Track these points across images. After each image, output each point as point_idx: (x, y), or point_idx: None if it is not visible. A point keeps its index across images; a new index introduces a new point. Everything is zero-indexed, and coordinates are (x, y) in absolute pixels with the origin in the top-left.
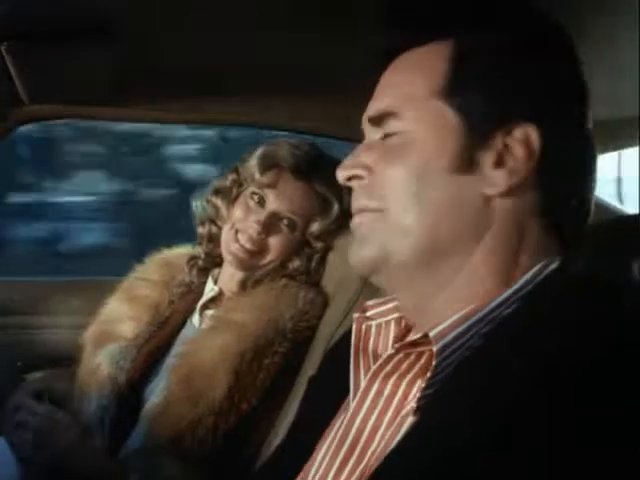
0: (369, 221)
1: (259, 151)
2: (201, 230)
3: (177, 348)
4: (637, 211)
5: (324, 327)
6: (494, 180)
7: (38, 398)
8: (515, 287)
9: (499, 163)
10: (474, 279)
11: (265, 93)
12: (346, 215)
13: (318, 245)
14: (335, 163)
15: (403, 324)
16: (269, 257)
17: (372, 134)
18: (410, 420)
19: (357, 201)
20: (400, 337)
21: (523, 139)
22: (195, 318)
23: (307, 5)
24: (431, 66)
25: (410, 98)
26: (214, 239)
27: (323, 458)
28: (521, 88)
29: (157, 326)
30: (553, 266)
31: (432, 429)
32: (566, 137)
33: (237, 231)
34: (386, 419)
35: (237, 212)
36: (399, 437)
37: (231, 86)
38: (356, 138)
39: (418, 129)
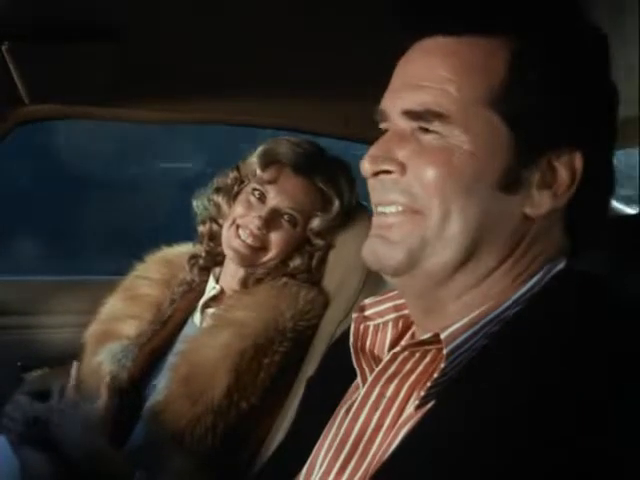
0: (402, 223)
1: (260, 148)
2: (202, 229)
3: (178, 346)
4: (637, 211)
5: (325, 326)
6: (537, 202)
7: (35, 397)
8: (524, 289)
9: (543, 184)
10: (493, 288)
11: (265, 93)
12: (347, 212)
13: (319, 242)
14: (335, 161)
15: (400, 325)
16: (270, 253)
17: (402, 123)
18: (412, 421)
19: (385, 195)
20: (397, 338)
21: (569, 163)
22: (196, 317)
23: (307, 5)
24: (488, 70)
25: (462, 102)
26: (215, 237)
27: (324, 458)
28: (571, 109)
29: (159, 325)
30: (559, 267)
31: (436, 427)
32: (602, 160)
33: (238, 227)
34: (388, 420)
35: (238, 208)
36: (401, 438)
37: (231, 86)
38: (355, 138)
39: (467, 138)
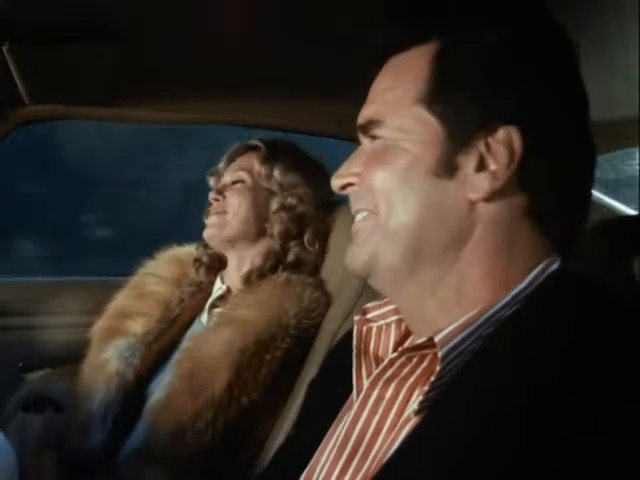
0: (365, 224)
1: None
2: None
3: (184, 344)
4: (637, 211)
5: (326, 325)
6: (476, 184)
7: (36, 398)
8: (518, 289)
9: (481, 167)
10: (465, 283)
11: (261, 93)
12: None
13: (291, 201)
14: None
15: (403, 327)
16: (236, 218)
17: (363, 140)
18: (411, 423)
19: (353, 205)
20: (401, 340)
21: (505, 141)
22: (204, 316)
23: (307, 5)
24: (413, 71)
25: (394, 105)
26: None
27: (326, 461)
28: (503, 89)
29: (166, 323)
30: (554, 267)
31: (435, 431)
32: (556, 139)
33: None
34: (387, 423)
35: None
36: (400, 440)
37: (231, 86)
38: (355, 138)
39: (401, 136)
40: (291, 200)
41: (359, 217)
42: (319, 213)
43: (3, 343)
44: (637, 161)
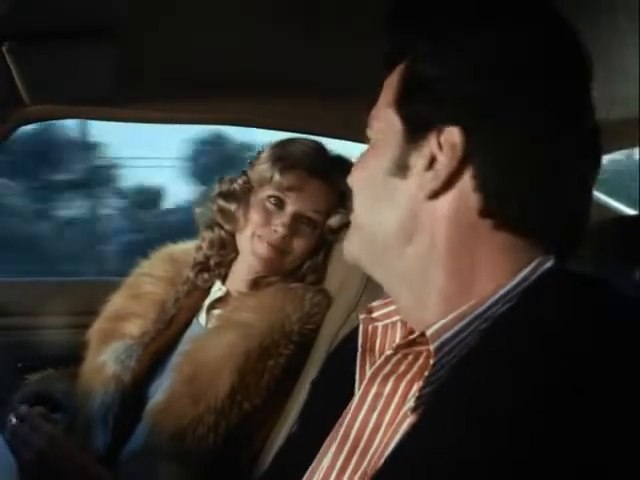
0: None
1: (270, 153)
2: (209, 235)
3: (183, 347)
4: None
5: (326, 328)
6: (422, 183)
7: (38, 399)
8: (509, 286)
9: (429, 166)
10: (433, 280)
11: (265, 93)
12: None
13: (330, 238)
14: (340, 158)
15: (409, 325)
16: (291, 257)
17: None
18: (409, 419)
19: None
20: (407, 337)
21: (448, 141)
22: (202, 317)
23: (307, 6)
24: (395, 75)
25: (378, 109)
26: (226, 245)
27: (325, 459)
28: (453, 90)
29: (163, 324)
30: (546, 265)
31: (431, 428)
32: (513, 137)
33: (259, 237)
34: (386, 419)
35: (255, 217)
36: (399, 437)
37: (231, 86)
38: (355, 138)
39: (375, 137)
40: (330, 238)
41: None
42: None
43: (2, 344)
44: (637, 161)
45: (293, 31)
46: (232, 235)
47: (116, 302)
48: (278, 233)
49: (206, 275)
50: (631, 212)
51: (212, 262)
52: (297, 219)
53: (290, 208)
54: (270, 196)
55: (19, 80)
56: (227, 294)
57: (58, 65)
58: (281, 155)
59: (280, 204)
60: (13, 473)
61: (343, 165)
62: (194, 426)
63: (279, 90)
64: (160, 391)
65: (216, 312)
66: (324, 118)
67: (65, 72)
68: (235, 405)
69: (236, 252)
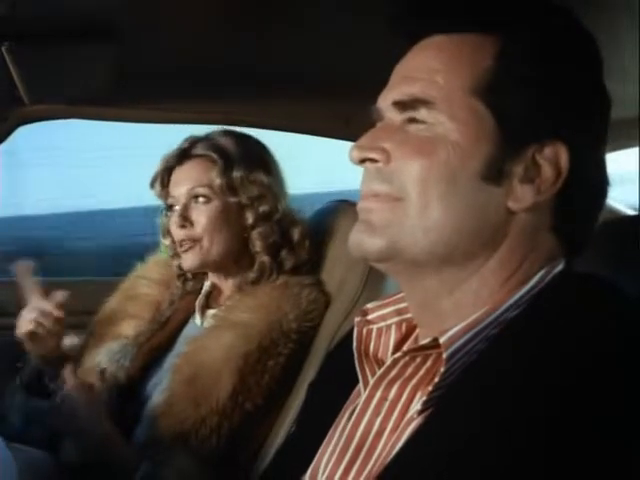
0: (383, 209)
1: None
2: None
3: (180, 348)
4: (637, 211)
5: (325, 327)
6: (520, 195)
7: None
8: (522, 291)
9: (526, 178)
10: (483, 287)
11: (265, 93)
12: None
13: (263, 208)
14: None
15: (404, 328)
16: (205, 238)
17: (393, 115)
18: (414, 424)
19: (369, 184)
20: (401, 341)
21: (553, 158)
22: (197, 318)
23: (308, 6)
24: (475, 60)
25: (448, 90)
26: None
27: (328, 462)
28: (558, 102)
29: (158, 325)
30: (558, 269)
31: (441, 430)
32: (590, 158)
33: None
34: (390, 424)
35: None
36: (403, 441)
37: (231, 86)
38: (356, 138)
39: (453, 126)
40: (264, 208)
41: (374, 200)
42: (293, 209)
43: (2, 343)
44: (637, 161)
45: (293, 30)
46: None
47: (112, 304)
48: (177, 224)
49: (191, 283)
50: (631, 212)
51: (190, 275)
52: (187, 209)
53: (178, 201)
54: (164, 209)
55: (19, 80)
56: (218, 291)
57: (58, 65)
58: (154, 176)
59: (170, 208)
60: (14, 474)
61: (208, 139)
62: (197, 428)
63: (279, 90)
64: (158, 392)
65: (211, 312)
66: (324, 118)
67: (65, 72)
68: (237, 406)
69: None
